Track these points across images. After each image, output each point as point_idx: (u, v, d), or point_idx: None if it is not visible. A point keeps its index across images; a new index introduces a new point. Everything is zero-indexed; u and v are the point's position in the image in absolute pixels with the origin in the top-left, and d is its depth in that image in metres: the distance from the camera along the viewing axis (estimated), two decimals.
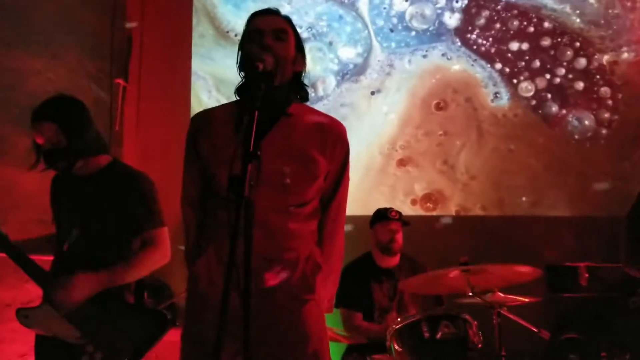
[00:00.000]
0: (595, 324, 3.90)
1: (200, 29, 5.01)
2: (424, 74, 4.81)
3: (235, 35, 4.72)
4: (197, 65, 4.96)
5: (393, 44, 4.86)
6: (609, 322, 3.81)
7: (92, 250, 2.30)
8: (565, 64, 4.71)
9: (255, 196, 1.68)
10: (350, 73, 4.85)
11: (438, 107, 4.77)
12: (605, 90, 4.66)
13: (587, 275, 3.92)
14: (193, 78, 4.96)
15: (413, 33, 4.86)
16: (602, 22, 4.73)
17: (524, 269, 2.77)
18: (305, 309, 1.86)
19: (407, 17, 4.86)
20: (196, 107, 4.86)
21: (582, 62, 4.71)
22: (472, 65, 4.76)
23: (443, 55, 4.80)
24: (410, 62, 4.82)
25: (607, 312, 3.87)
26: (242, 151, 1.51)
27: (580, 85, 4.70)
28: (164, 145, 4.62)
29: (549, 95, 4.70)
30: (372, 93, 4.82)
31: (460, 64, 4.78)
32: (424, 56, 4.82)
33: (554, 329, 3.97)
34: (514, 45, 4.76)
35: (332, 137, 1.92)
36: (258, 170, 1.70)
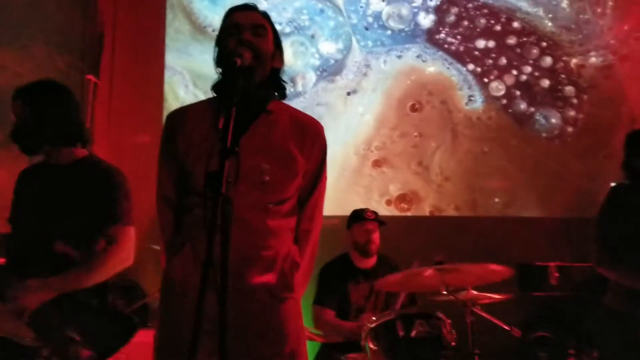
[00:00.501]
0: (565, 323, 3.98)
1: (176, 24, 4.97)
2: (399, 75, 4.84)
3: (213, 30, 4.68)
4: (174, 60, 4.92)
5: (370, 43, 4.89)
6: (578, 320, 3.88)
7: (54, 241, 2.23)
8: (531, 62, 4.80)
9: (234, 193, 1.67)
10: (329, 70, 4.86)
11: (413, 109, 4.81)
12: (570, 90, 4.76)
13: (557, 274, 3.99)
14: (169, 73, 4.91)
15: (389, 32, 4.89)
16: (573, 26, 4.83)
17: (497, 267, 2.80)
18: (284, 307, 1.84)
19: (384, 16, 4.89)
20: (172, 102, 4.81)
21: (547, 60, 4.81)
22: (448, 68, 4.81)
23: (418, 57, 4.84)
24: (385, 63, 4.85)
25: (576, 311, 3.95)
26: (220, 148, 1.49)
27: (545, 82, 4.79)
28: (135, 142, 4.58)
29: (518, 93, 4.78)
30: (348, 93, 4.84)
31: (435, 66, 4.83)
32: (399, 57, 4.86)
33: (524, 327, 4.02)
34: (481, 43, 4.83)
35: (310, 136, 1.92)
36: (237, 167, 1.69)
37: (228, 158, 1.47)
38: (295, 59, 4.82)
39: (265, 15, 1.93)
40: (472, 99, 4.78)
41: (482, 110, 4.77)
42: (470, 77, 4.79)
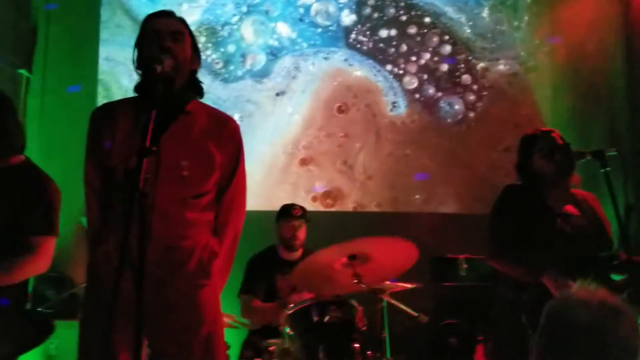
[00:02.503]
0: (473, 311, 4.27)
1: (116, 20, 5.02)
2: (325, 77, 5.05)
3: None
4: (116, 52, 4.95)
5: (300, 39, 5.07)
6: (486, 309, 4.20)
7: None
8: (430, 49, 5.12)
9: (155, 188, 1.85)
10: (286, 51, 5.01)
11: (340, 110, 5.05)
12: (466, 78, 5.11)
13: (465, 266, 4.30)
14: (112, 65, 4.96)
15: (319, 30, 5.09)
16: (489, 35, 5.19)
17: (403, 242, 2.90)
18: (201, 293, 2.00)
19: (312, 12, 5.09)
20: (117, 91, 4.89)
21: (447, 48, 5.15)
22: (375, 75, 5.06)
23: (345, 60, 5.08)
24: (314, 65, 5.06)
25: (483, 300, 4.26)
26: (140, 146, 1.64)
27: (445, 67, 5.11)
28: (68, 138, 4.59)
29: (425, 76, 5.08)
30: (277, 94, 5.01)
31: (361, 70, 5.07)
32: (326, 58, 5.07)
33: (436, 315, 4.32)
34: (384, 33, 5.10)
35: (226, 133, 2.08)
36: (157, 164, 1.86)
37: (146, 156, 1.62)
38: (257, 37, 5.00)
39: (182, 21, 2.07)
40: (396, 104, 5.06)
41: (405, 115, 5.04)
42: (395, 84, 5.06)
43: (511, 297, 2.69)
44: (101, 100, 4.83)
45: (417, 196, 5.01)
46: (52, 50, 4.92)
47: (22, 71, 4.75)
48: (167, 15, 2.07)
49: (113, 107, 2.13)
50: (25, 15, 4.81)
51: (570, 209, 2.71)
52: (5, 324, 2.24)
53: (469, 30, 5.18)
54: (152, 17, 2.05)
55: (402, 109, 5.05)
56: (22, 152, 2.46)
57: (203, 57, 4.90)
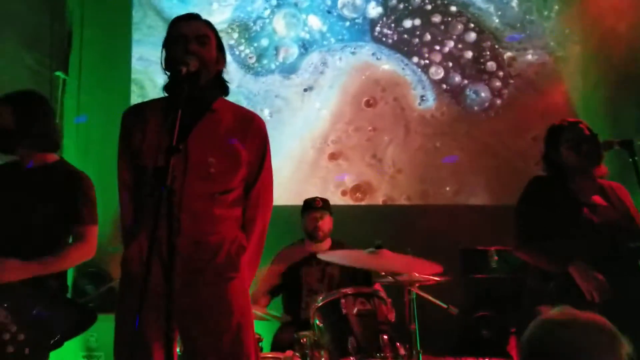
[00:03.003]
0: (505, 303, 4.24)
1: (148, 21, 5.15)
2: (352, 71, 5.08)
3: None
4: (149, 52, 5.07)
5: (328, 34, 5.11)
6: (516, 300, 4.18)
7: (26, 236, 2.47)
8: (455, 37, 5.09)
9: (184, 184, 1.91)
10: (316, 45, 5.08)
11: (368, 104, 5.07)
12: (491, 65, 5.08)
13: (496, 258, 4.28)
14: (145, 64, 5.08)
15: (347, 23, 5.11)
16: (518, 25, 5.13)
17: (425, 264, 2.92)
18: (230, 285, 2.06)
19: (339, 4, 5.13)
20: (150, 90, 5.01)
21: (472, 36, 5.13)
22: (403, 68, 5.07)
23: (373, 54, 5.09)
24: (341, 60, 5.09)
25: (515, 292, 4.24)
26: (167, 145, 1.70)
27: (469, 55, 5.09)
28: (103, 136, 4.74)
29: (450, 64, 5.07)
30: (305, 90, 5.06)
31: (389, 64, 5.08)
32: (353, 53, 5.10)
33: (468, 307, 4.32)
34: (408, 23, 5.10)
35: (252, 130, 2.13)
36: (185, 162, 1.93)
37: (173, 155, 1.68)
38: (288, 30, 5.07)
39: (208, 24, 2.14)
40: (424, 98, 5.05)
41: (434, 108, 5.04)
42: (424, 77, 5.05)
43: (538, 287, 2.70)
44: (135, 99, 4.96)
45: (447, 188, 5.00)
46: (86, 53, 5.08)
47: (59, 73, 4.91)
48: (194, 18, 2.13)
49: (143, 108, 2.21)
50: (60, 19, 4.97)
51: (597, 199, 2.68)
52: (52, 310, 2.40)
53: (497, 20, 5.14)
54: (179, 21, 2.13)
55: (431, 102, 5.04)
56: (57, 150, 2.65)
57: (236, 52, 5.04)
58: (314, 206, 3.78)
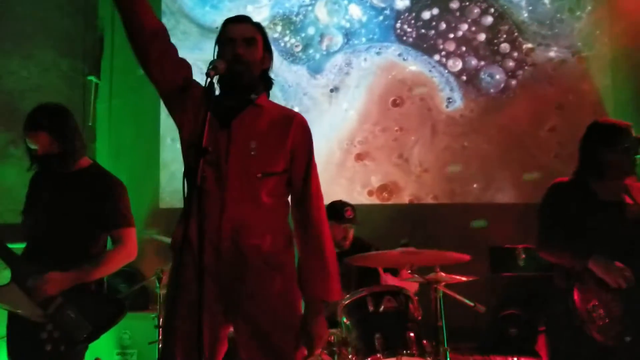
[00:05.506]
0: (533, 301, 4.21)
1: (181, 27, 5.22)
2: (379, 71, 5.10)
3: None
4: (184, 55, 5.15)
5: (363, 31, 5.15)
6: (544, 299, 4.15)
7: (63, 240, 2.53)
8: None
9: (228, 163, 2.00)
10: (357, 35, 5.14)
11: (394, 104, 5.09)
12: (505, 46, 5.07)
13: (524, 256, 4.26)
14: None
15: (375, 17, 5.13)
16: (547, 22, 5.09)
17: (453, 254, 2.96)
18: (273, 273, 2.05)
19: None
20: None
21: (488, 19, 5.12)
22: (430, 70, 5.08)
23: (399, 55, 5.11)
24: (366, 60, 5.11)
25: (542, 290, 4.21)
26: (197, 143, 1.75)
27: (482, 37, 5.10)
28: (135, 138, 4.85)
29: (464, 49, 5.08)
30: (332, 90, 5.11)
31: (416, 65, 5.09)
32: (378, 53, 5.12)
33: (495, 305, 4.31)
34: (427, 15, 5.11)
35: (295, 125, 2.14)
36: (227, 144, 2.02)
37: (203, 157, 1.74)
38: (330, 17, 5.16)
39: (256, 26, 2.20)
40: (451, 100, 5.05)
41: (463, 107, 5.03)
42: (451, 79, 5.04)
43: (563, 285, 2.69)
44: None
45: (474, 185, 4.98)
46: (117, 58, 5.20)
47: (92, 78, 5.06)
48: (242, 21, 2.20)
49: (197, 87, 2.24)
50: (92, 26, 5.12)
51: (625, 198, 2.67)
52: (85, 306, 2.48)
53: (526, 14, 5.10)
54: (228, 23, 2.19)
55: (458, 102, 5.03)
56: (85, 155, 2.69)
57: (282, 44, 5.05)
58: (345, 218, 3.73)
